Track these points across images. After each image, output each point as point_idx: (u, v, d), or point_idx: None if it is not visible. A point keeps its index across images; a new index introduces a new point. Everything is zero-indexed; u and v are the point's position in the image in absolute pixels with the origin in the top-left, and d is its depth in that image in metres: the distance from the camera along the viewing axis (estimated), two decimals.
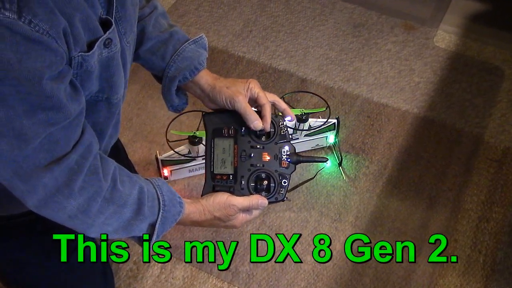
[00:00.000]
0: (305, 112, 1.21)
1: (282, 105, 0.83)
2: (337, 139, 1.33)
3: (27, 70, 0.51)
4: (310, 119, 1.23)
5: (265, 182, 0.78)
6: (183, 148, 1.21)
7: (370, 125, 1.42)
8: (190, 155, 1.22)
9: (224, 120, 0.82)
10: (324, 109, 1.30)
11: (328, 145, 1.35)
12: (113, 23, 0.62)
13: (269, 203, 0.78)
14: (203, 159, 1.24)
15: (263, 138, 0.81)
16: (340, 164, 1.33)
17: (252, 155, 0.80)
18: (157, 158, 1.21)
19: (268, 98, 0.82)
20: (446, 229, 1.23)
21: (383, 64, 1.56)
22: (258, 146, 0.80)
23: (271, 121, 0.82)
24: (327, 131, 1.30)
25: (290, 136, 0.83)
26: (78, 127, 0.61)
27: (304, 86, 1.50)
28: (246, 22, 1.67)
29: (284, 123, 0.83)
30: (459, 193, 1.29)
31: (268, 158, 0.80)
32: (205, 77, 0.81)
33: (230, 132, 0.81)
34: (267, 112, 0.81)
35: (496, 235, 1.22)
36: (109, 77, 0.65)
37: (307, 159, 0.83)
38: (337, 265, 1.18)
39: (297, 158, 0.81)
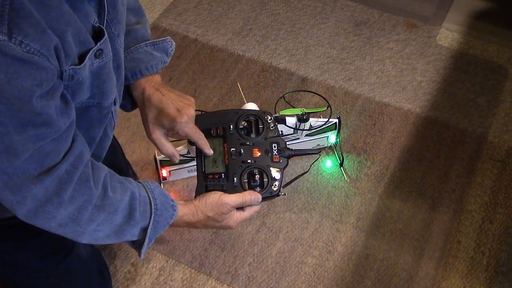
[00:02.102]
0: (306, 111, 1.20)
1: (199, 144, 0.80)
2: (338, 139, 1.31)
3: (17, 90, 0.51)
4: (311, 119, 1.21)
5: (258, 178, 0.78)
6: (181, 148, 1.19)
7: (371, 124, 1.41)
8: (189, 155, 1.20)
9: (212, 121, 0.82)
10: (325, 108, 1.28)
11: (329, 145, 1.33)
12: (105, 32, 0.61)
13: (264, 198, 0.77)
14: None
15: (252, 135, 0.81)
16: (341, 164, 1.31)
17: (242, 152, 0.79)
18: (155, 159, 1.20)
19: (198, 133, 0.79)
20: (449, 231, 1.22)
21: (385, 63, 1.55)
22: (248, 143, 0.80)
23: (259, 117, 0.81)
24: (328, 131, 1.28)
25: (280, 131, 0.83)
26: (69, 138, 0.60)
27: (305, 85, 1.49)
28: (246, 20, 1.65)
29: (272, 118, 0.82)
30: (462, 194, 1.28)
31: (259, 154, 0.79)
32: (142, 87, 0.76)
33: (219, 132, 0.81)
34: (202, 147, 0.79)
35: (499, 237, 1.21)
36: (100, 84, 0.64)
37: (299, 152, 0.82)
38: (339, 267, 1.16)
39: (289, 152, 0.80)
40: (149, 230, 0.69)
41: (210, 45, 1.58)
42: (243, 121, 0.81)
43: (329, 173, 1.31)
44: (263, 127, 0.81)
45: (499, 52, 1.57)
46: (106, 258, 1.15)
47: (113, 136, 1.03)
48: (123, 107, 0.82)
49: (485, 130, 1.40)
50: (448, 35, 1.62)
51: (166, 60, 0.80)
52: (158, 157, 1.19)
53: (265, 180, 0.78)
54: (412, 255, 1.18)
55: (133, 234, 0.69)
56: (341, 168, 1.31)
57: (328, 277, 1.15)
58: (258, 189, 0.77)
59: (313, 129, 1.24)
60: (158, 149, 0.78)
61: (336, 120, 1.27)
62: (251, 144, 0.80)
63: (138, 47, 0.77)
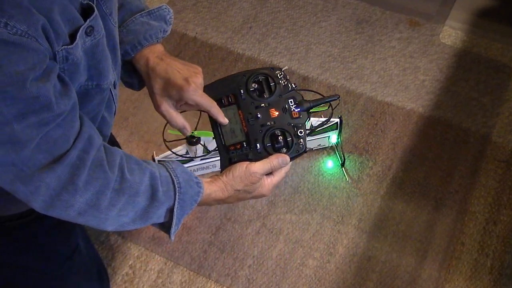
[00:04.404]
0: None
1: (212, 112, 0.75)
2: (339, 139, 1.29)
3: (9, 75, 0.49)
4: (311, 118, 1.20)
5: (281, 138, 0.74)
6: (180, 149, 1.18)
7: (373, 124, 1.39)
8: (188, 155, 1.19)
9: (220, 90, 0.78)
10: (326, 108, 1.26)
11: (330, 145, 1.31)
12: (95, 9, 0.59)
13: (292, 158, 0.74)
14: (201, 159, 1.21)
15: (266, 95, 0.77)
16: (343, 164, 1.29)
17: (259, 115, 0.76)
18: (154, 159, 1.18)
19: (209, 101, 0.75)
20: (452, 232, 1.20)
21: (387, 62, 1.53)
22: (263, 105, 0.76)
23: (269, 75, 0.77)
24: (329, 131, 1.27)
25: (293, 85, 0.79)
26: (75, 123, 0.59)
27: (306, 84, 1.47)
28: (245, 18, 1.63)
29: (283, 73, 0.78)
30: (466, 195, 1.26)
31: (276, 113, 0.76)
32: (145, 58, 0.74)
33: (230, 100, 0.77)
34: (215, 115, 0.75)
35: (504, 238, 1.19)
36: (96, 64, 0.62)
37: (317, 102, 0.78)
38: (340, 269, 1.14)
39: (307, 105, 0.77)
40: (175, 210, 0.66)
41: (210, 43, 1.56)
42: (253, 82, 0.77)
43: (330, 173, 1.29)
44: (274, 85, 0.77)
45: (503, 50, 1.55)
46: (104, 260, 1.13)
47: (112, 135, 1.02)
48: (131, 85, 0.80)
49: (489, 130, 1.38)
50: (452, 33, 1.60)
51: (166, 28, 0.77)
52: (157, 158, 1.18)
53: (289, 139, 0.74)
54: (415, 257, 1.16)
55: (159, 216, 0.66)
56: (343, 168, 1.29)
57: (330, 279, 1.13)
58: (283, 150, 0.74)
59: (314, 128, 1.23)
60: (168, 121, 0.75)
61: (338, 120, 1.25)
62: (267, 105, 0.76)
63: (134, 18, 0.74)
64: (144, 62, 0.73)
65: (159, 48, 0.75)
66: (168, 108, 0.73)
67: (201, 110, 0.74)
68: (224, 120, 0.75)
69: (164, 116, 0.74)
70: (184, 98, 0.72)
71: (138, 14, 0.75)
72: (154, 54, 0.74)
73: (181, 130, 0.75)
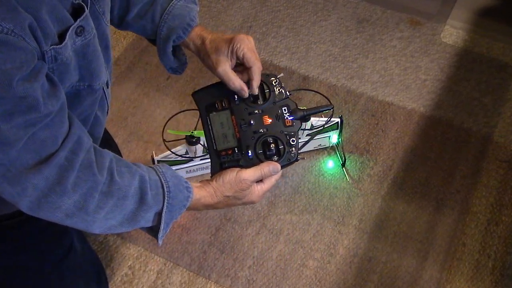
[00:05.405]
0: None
1: (254, 69, 0.75)
2: (340, 139, 1.29)
3: None
4: (312, 118, 1.19)
5: (273, 146, 0.74)
6: (180, 148, 1.17)
7: (374, 124, 1.38)
8: (187, 155, 1.18)
9: (215, 94, 0.78)
10: None
11: (331, 145, 1.31)
12: (86, 9, 0.59)
13: (283, 166, 0.74)
14: (201, 159, 1.20)
15: (260, 101, 0.77)
16: (343, 165, 1.29)
17: (252, 122, 0.76)
18: (153, 159, 1.17)
19: (257, 58, 0.75)
20: (453, 233, 1.19)
21: (388, 61, 1.52)
22: (256, 111, 0.76)
23: (263, 82, 0.77)
24: (330, 131, 1.26)
25: (288, 93, 0.78)
26: (63, 123, 0.58)
27: (306, 84, 1.46)
28: (245, 17, 1.62)
29: (278, 80, 0.78)
30: (467, 195, 1.25)
31: (270, 120, 0.76)
32: (193, 36, 0.77)
33: (224, 104, 0.77)
34: (254, 75, 0.75)
35: (505, 239, 1.18)
36: (87, 64, 0.62)
37: (311, 111, 0.78)
38: (341, 270, 1.14)
39: (301, 113, 0.77)
40: (163, 214, 0.66)
41: None
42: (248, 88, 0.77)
43: (331, 173, 1.28)
44: (269, 91, 0.77)
45: (505, 50, 1.54)
46: (103, 261, 1.13)
47: (108, 133, 1.02)
48: (176, 70, 0.82)
49: (490, 130, 1.37)
50: (453, 32, 1.59)
51: (198, 9, 0.80)
52: (156, 157, 1.17)
53: (281, 147, 0.74)
54: (416, 258, 1.15)
55: (147, 219, 0.66)
56: (343, 168, 1.29)
57: (330, 280, 1.13)
58: (275, 157, 0.74)
59: (314, 128, 1.22)
60: (225, 82, 0.75)
61: (338, 120, 1.24)
62: (260, 111, 0.76)
63: (174, 4, 0.76)
64: (199, 39, 0.76)
65: (201, 27, 0.78)
66: (225, 68, 0.74)
67: (245, 65, 0.74)
68: (255, 89, 0.75)
69: (221, 77, 0.74)
70: (234, 48, 0.72)
71: (174, 0, 0.77)
72: (202, 30, 0.77)
73: (238, 92, 0.75)
